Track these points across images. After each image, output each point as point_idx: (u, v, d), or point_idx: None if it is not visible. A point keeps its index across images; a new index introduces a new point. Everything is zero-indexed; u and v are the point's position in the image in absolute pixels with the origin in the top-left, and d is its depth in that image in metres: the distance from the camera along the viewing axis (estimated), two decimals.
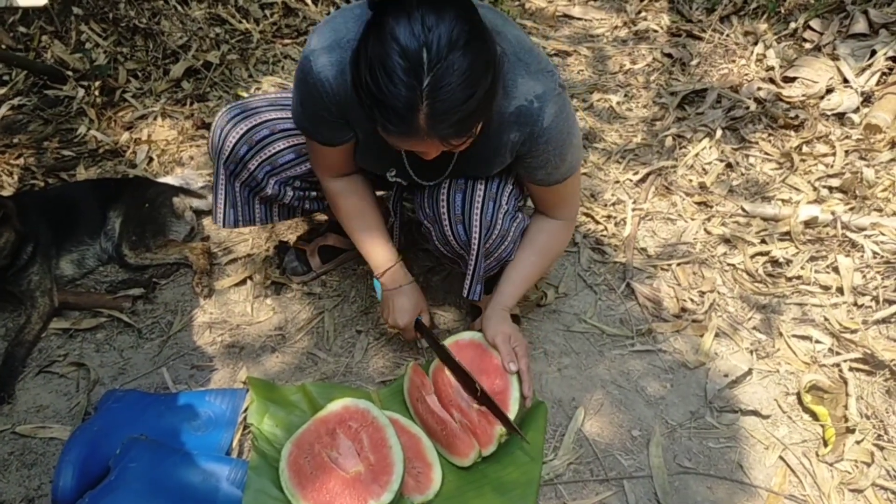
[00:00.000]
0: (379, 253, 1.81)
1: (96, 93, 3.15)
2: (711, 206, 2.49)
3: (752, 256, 2.28)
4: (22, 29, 3.54)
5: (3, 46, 3.38)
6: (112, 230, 2.36)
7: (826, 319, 2.08)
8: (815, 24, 3.24)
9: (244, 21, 3.63)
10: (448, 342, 1.81)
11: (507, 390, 1.67)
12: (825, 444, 1.76)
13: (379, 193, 1.99)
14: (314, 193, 1.98)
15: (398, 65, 1.17)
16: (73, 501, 1.58)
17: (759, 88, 2.99)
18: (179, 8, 3.65)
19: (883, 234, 2.28)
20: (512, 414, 1.64)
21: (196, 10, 3.65)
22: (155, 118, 3.06)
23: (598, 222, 2.44)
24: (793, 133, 2.79)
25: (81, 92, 3.16)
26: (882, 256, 2.21)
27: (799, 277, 2.21)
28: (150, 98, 3.18)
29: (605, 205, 2.53)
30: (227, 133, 1.82)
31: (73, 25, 3.51)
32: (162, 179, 2.62)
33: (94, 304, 2.19)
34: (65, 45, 3.43)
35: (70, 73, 3.24)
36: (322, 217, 2.39)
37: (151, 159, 2.85)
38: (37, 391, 1.96)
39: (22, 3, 2.29)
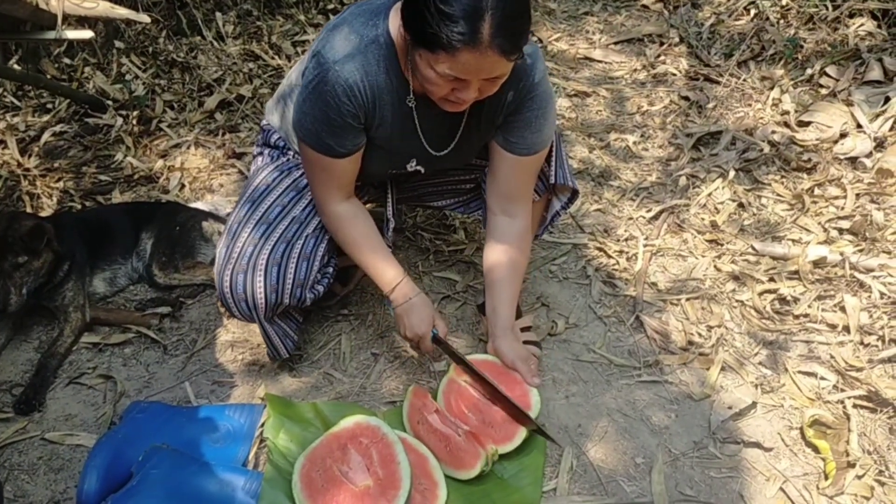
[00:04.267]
0: (387, 272, 1.87)
1: (134, 122, 3.31)
2: (722, 245, 2.55)
3: (761, 294, 2.33)
4: (66, 60, 3.73)
5: (49, 76, 3.56)
6: (144, 251, 2.47)
7: (832, 357, 2.12)
8: (831, 70, 3.32)
9: (276, 57, 3.78)
10: (455, 365, 1.92)
11: (527, 394, 1.83)
12: (826, 478, 1.79)
13: (368, 206, 2.09)
14: (330, 270, 2.00)
15: None
16: None
17: (774, 132, 3.06)
18: (215, 44, 3.83)
19: (891, 276, 2.32)
20: (534, 411, 1.80)
21: (231, 46, 3.82)
22: (188, 147, 3.19)
23: (610, 256, 2.51)
24: (805, 176, 2.85)
25: (120, 121, 3.31)
26: (889, 297, 2.25)
27: (806, 315, 2.26)
28: (185, 128, 3.33)
29: (618, 240, 2.60)
30: (249, 293, 1.81)
31: (114, 58, 3.69)
32: (193, 205, 2.74)
33: (124, 320, 2.30)
34: (106, 76, 3.61)
35: (110, 102, 3.41)
36: None
37: (184, 186, 2.98)
38: (66, 401, 2.06)
39: (70, 35, 2.44)
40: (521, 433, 1.78)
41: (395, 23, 1.56)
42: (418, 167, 1.86)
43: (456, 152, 1.82)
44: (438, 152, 1.81)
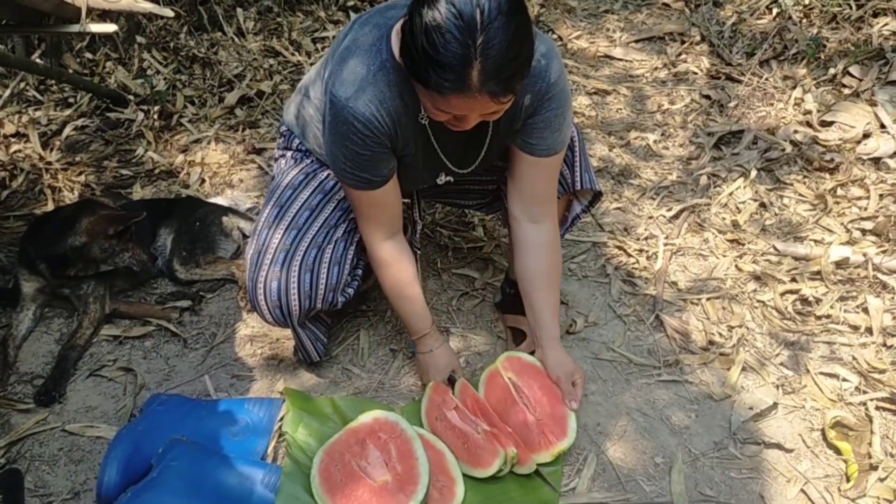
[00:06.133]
0: (418, 322, 1.92)
1: (155, 117, 3.33)
2: (743, 244, 2.53)
3: (782, 294, 2.31)
4: (88, 55, 3.76)
5: (71, 70, 3.59)
6: (163, 246, 2.48)
7: (854, 359, 2.09)
8: (854, 70, 3.28)
9: (296, 53, 3.79)
10: (506, 356, 1.96)
11: (566, 418, 1.81)
12: (848, 480, 1.78)
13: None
14: (359, 272, 1.99)
15: (454, 25, 1.27)
16: (116, 496, 1.67)
17: (796, 131, 3.03)
18: (236, 39, 3.85)
19: None
20: (569, 440, 1.78)
21: (252, 42, 3.83)
22: (209, 142, 3.21)
23: (629, 255, 2.50)
24: (828, 176, 2.82)
25: (141, 115, 3.33)
26: None
27: (828, 316, 2.23)
28: (205, 123, 3.34)
29: (638, 239, 2.58)
30: (284, 300, 1.82)
31: (136, 53, 3.72)
32: (213, 200, 2.75)
33: (144, 313, 2.31)
34: (127, 71, 3.64)
35: (131, 97, 3.43)
36: None
37: (204, 181, 2.99)
38: (87, 393, 2.07)
39: (94, 29, 2.45)
40: (534, 459, 1.76)
41: (398, 43, 1.51)
42: (448, 178, 1.86)
43: (482, 165, 1.82)
44: (463, 168, 1.80)
